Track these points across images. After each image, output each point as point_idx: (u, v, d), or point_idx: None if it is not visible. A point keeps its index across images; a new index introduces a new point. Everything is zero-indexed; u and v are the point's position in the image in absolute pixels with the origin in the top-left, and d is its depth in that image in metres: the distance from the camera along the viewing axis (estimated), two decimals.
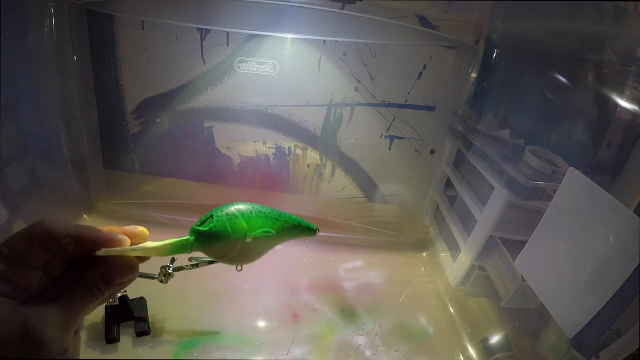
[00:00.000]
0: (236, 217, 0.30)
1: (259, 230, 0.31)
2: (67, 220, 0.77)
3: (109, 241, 0.25)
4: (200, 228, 0.29)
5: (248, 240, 0.30)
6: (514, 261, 0.57)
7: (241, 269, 0.33)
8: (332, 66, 0.74)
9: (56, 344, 0.22)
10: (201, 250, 0.30)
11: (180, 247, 0.29)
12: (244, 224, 0.30)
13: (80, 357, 0.56)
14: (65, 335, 0.23)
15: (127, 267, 0.26)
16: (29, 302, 0.23)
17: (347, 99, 0.77)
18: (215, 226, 0.29)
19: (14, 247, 0.23)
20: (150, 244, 0.29)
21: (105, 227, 0.27)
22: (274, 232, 0.32)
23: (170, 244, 0.29)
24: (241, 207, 0.31)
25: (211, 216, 0.30)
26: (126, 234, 0.27)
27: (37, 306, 0.22)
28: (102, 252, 0.25)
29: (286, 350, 0.60)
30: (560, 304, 0.47)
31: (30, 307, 0.22)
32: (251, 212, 0.31)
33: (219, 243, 0.29)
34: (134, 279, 0.27)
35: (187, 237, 0.29)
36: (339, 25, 0.70)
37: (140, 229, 0.28)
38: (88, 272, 0.25)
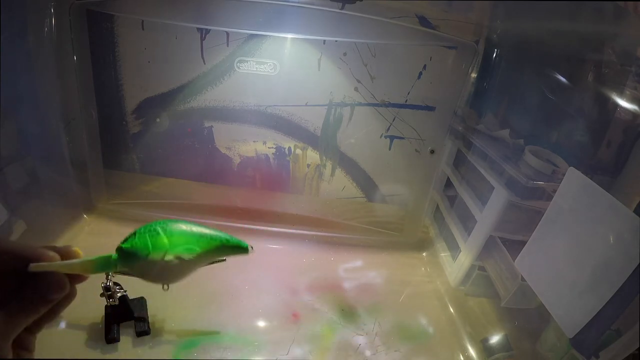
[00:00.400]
0: (158, 233, 0.29)
1: (180, 248, 0.29)
2: (66, 221, 0.77)
3: (39, 257, 0.27)
4: (122, 245, 0.29)
5: (168, 258, 0.29)
6: (514, 261, 0.57)
7: (167, 289, 0.32)
8: (332, 66, 0.74)
9: None
10: (126, 268, 0.29)
11: (104, 264, 0.29)
12: (165, 241, 0.29)
13: (80, 357, 0.56)
14: (2, 344, 0.25)
15: (56, 283, 0.27)
16: None
17: (347, 99, 0.77)
18: (135, 243, 0.29)
19: None
20: (75, 260, 0.29)
21: (43, 246, 0.28)
22: (198, 249, 0.30)
23: (94, 260, 0.28)
24: (168, 224, 0.30)
25: (134, 233, 0.29)
26: (60, 253, 0.28)
27: None
28: (33, 267, 0.26)
29: (286, 350, 0.60)
30: (560, 304, 0.47)
31: None
32: (175, 229, 0.30)
33: (139, 261, 0.29)
34: (65, 295, 0.28)
35: (111, 254, 0.29)
36: (339, 25, 0.70)
37: (75, 249, 0.29)
38: (24, 287, 0.26)
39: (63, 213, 0.78)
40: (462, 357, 0.64)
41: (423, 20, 0.70)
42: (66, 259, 0.28)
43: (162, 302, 0.62)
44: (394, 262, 0.86)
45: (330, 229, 0.89)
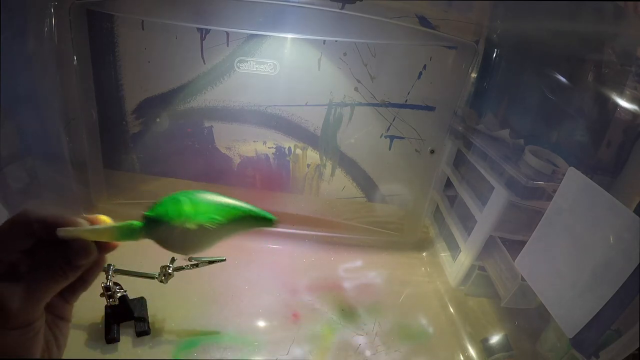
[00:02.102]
0: (180, 201, 0.28)
1: (203, 216, 0.29)
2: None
3: (67, 223, 0.28)
4: (146, 213, 0.28)
5: (190, 225, 0.28)
6: (514, 261, 0.57)
7: (191, 261, 0.31)
8: (332, 66, 0.74)
9: (20, 315, 0.25)
10: (150, 237, 0.29)
11: (129, 231, 0.28)
12: (188, 209, 0.28)
13: (80, 357, 0.56)
14: (31, 309, 0.25)
15: (83, 248, 0.28)
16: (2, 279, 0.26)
17: (347, 99, 0.77)
18: (159, 210, 0.28)
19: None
20: (101, 226, 0.29)
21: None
22: (221, 219, 0.29)
23: (119, 227, 0.28)
24: (193, 194, 0.29)
25: (160, 202, 0.29)
26: (88, 220, 0.29)
27: (6, 281, 0.25)
28: (61, 231, 0.27)
29: (286, 350, 0.60)
30: (560, 304, 0.47)
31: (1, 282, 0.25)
32: (199, 198, 0.29)
33: (162, 228, 0.28)
34: (92, 262, 0.29)
35: (135, 221, 0.28)
36: (339, 25, 0.70)
37: (101, 216, 0.30)
38: (53, 253, 0.27)
39: (63, 213, 0.78)
40: (462, 357, 0.64)
41: (423, 20, 0.70)
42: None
43: (162, 302, 0.62)
44: (394, 262, 0.86)
45: (330, 229, 0.88)
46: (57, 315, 0.29)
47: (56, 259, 0.27)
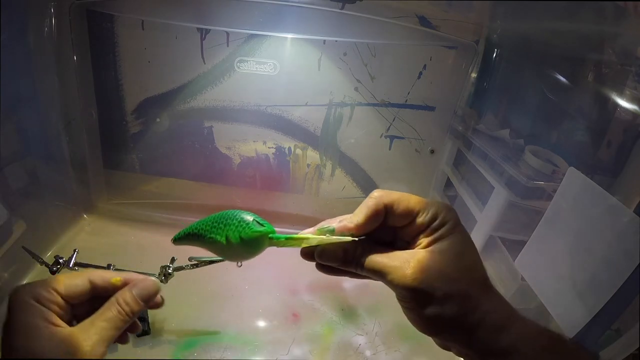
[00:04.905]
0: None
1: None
2: (66, 221, 0.78)
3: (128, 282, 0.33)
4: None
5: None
6: (514, 261, 0.57)
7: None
8: (332, 66, 0.74)
9: (93, 355, 0.28)
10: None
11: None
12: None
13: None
14: (101, 348, 0.29)
15: (150, 285, 0.32)
16: (72, 323, 0.30)
17: (347, 99, 0.77)
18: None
19: (74, 293, 0.30)
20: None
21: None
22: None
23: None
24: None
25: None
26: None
27: (79, 325, 0.29)
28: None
29: (286, 350, 0.60)
30: (560, 304, 0.47)
31: (74, 327, 0.29)
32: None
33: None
34: (155, 299, 0.34)
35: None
36: (339, 25, 0.70)
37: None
38: (119, 292, 0.31)
39: (63, 213, 0.78)
40: (462, 357, 0.64)
41: (423, 20, 0.70)
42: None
43: None
44: None
45: None
46: None
47: (122, 296, 0.31)
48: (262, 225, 0.30)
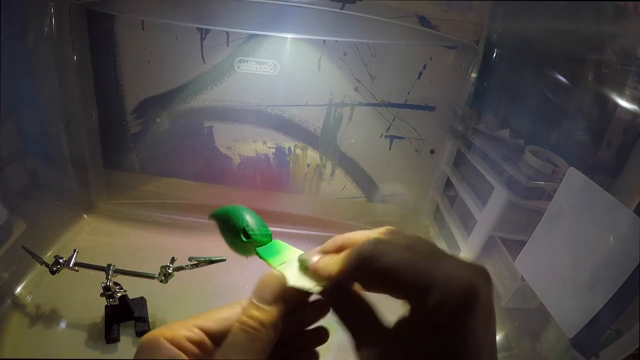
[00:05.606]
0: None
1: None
2: (66, 221, 0.78)
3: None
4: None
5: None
6: (514, 261, 0.57)
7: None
8: (332, 66, 0.74)
9: None
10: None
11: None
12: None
13: (80, 357, 0.56)
14: None
15: (267, 280, 0.25)
16: None
17: (347, 99, 0.77)
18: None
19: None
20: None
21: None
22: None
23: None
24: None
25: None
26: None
27: None
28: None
29: None
30: (560, 304, 0.47)
31: None
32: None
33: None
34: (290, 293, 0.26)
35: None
36: (339, 25, 0.70)
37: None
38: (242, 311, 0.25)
39: (63, 213, 0.78)
40: None
41: (423, 20, 0.70)
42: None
43: (162, 302, 0.62)
44: None
45: (330, 229, 0.88)
46: None
47: (251, 314, 0.24)
48: (249, 236, 0.30)
